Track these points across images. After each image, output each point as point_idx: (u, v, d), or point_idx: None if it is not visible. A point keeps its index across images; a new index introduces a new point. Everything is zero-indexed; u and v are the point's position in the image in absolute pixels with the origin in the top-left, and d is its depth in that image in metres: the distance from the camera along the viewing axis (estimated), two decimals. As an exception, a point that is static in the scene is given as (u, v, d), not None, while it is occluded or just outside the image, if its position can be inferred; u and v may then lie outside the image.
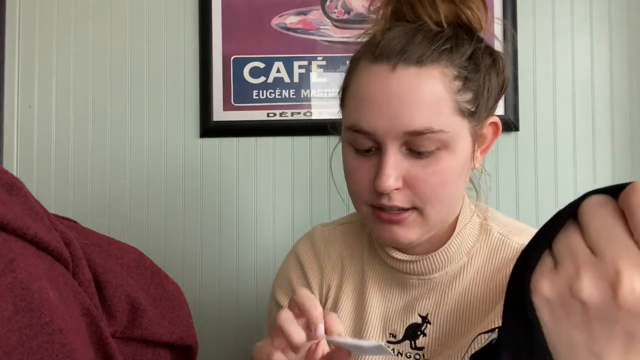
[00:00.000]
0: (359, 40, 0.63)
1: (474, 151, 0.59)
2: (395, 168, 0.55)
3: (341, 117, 0.65)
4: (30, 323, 0.37)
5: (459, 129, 0.55)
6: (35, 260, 0.41)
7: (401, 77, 0.53)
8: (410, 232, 0.58)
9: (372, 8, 0.63)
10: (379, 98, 0.54)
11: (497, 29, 1.07)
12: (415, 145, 0.54)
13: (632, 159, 1.16)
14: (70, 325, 0.41)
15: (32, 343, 0.37)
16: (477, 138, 0.59)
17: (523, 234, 0.64)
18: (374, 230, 0.62)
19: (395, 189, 0.55)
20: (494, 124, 0.62)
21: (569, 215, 0.29)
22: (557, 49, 1.17)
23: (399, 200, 0.56)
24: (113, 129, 1.19)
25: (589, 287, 0.26)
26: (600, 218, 0.27)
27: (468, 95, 0.56)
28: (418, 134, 0.53)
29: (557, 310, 0.28)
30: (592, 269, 0.26)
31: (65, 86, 1.19)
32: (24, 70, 1.20)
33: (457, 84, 0.55)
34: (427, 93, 0.53)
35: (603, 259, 0.26)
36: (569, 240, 0.28)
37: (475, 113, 0.57)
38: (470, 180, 0.66)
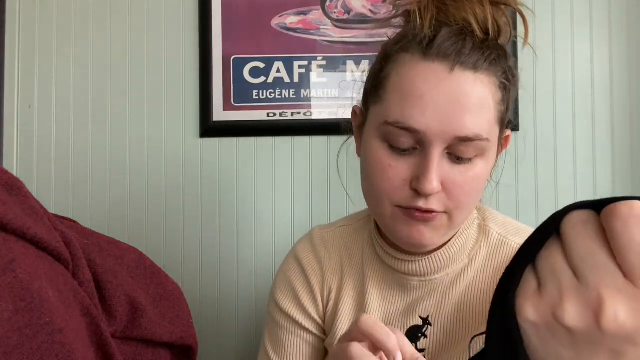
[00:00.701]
0: (382, 37, 0.61)
1: (496, 160, 0.61)
2: (438, 170, 0.54)
3: (362, 106, 0.63)
4: (30, 323, 0.37)
5: (495, 139, 0.57)
6: (35, 261, 0.41)
7: (459, 80, 0.53)
8: (435, 234, 0.58)
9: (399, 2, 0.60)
10: (435, 98, 0.52)
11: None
12: (459, 150, 0.54)
13: (632, 159, 1.16)
14: (70, 325, 0.41)
15: (32, 343, 0.37)
16: (499, 148, 0.60)
17: (522, 234, 0.64)
18: (397, 232, 0.59)
19: None
20: (508, 137, 0.63)
21: (552, 229, 0.28)
22: (557, 50, 1.17)
23: (435, 204, 0.55)
24: (113, 129, 1.19)
25: (572, 314, 0.26)
26: (584, 240, 0.26)
27: (504, 106, 0.57)
28: (468, 140, 0.53)
29: (543, 332, 0.28)
30: (576, 295, 0.26)
31: (65, 86, 1.19)
32: (24, 70, 1.20)
33: (500, 94, 0.56)
34: (480, 99, 0.53)
35: (586, 284, 0.26)
36: (552, 260, 0.28)
37: (504, 124, 0.59)
38: None
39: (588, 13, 1.17)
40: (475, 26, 0.55)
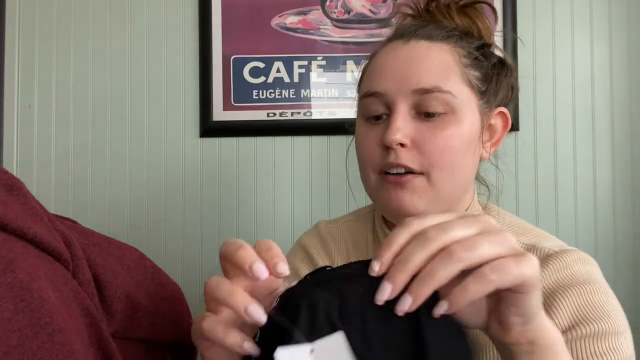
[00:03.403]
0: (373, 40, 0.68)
1: (482, 132, 0.60)
2: (404, 124, 0.57)
3: (357, 103, 0.67)
4: (30, 323, 0.37)
5: (467, 100, 0.58)
6: (35, 261, 0.41)
7: (413, 47, 0.59)
8: (415, 198, 0.58)
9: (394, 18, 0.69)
10: (391, 64, 0.59)
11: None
12: (424, 105, 0.56)
13: (632, 159, 1.16)
14: (70, 325, 0.41)
15: (32, 343, 0.37)
16: (486, 122, 0.61)
17: (528, 234, 0.63)
18: (381, 201, 0.60)
19: (402, 146, 0.57)
20: (503, 114, 0.63)
21: None
22: (557, 49, 1.17)
23: (406, 159, 0.57)
24: (113, 129, 1.19)
25: None
26: None
27: (477, 73, 0.59)
28: (426, 91, 0.56)
29: None
30: None
31: (65, 86, 1.19)
32: (24, 70, 1.20)
33: (466, 60, 0.59)
34: (436, 59, 0.57)
35: None
36: None
37: (485, 93, 0.60)
38: (484, 180, 0.68)
39: (588, 13, 1.17)
40: (444, 22, 0.63)
